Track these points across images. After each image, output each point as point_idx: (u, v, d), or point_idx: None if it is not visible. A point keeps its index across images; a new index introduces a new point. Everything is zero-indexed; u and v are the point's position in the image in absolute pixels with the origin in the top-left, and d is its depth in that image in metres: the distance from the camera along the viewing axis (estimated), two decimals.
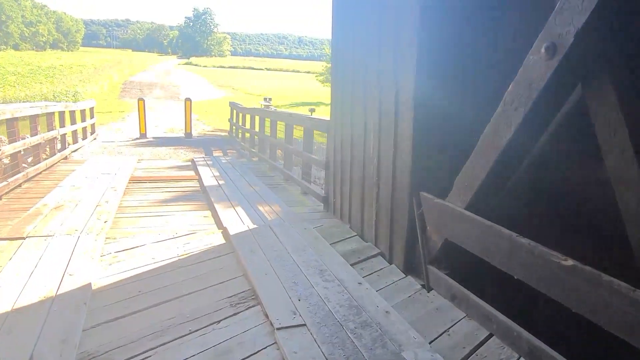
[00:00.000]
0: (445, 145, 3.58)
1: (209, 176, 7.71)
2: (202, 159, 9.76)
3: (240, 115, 11.95)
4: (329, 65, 34.08)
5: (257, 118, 10.00)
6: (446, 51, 3.46)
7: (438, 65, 3.47)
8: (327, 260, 3.92)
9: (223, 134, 16.24)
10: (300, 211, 5.85)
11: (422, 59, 3.46)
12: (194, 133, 15.74)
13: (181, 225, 4.97)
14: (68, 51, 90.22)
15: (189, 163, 9.59)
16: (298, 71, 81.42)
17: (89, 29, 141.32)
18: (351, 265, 3.89)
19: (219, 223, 5.08)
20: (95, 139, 13.10)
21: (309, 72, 79.52)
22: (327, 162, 5.63)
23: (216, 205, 5.71)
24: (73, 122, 10.79)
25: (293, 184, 7.42)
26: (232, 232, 4.59)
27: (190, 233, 4.66)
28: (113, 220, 5.05)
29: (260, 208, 5.79)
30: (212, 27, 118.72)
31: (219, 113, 24.93)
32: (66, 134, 9.93)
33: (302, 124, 6.79)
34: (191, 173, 8.28)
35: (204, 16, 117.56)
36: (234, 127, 13.35)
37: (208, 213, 5.59)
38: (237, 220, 5.08)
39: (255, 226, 4.84)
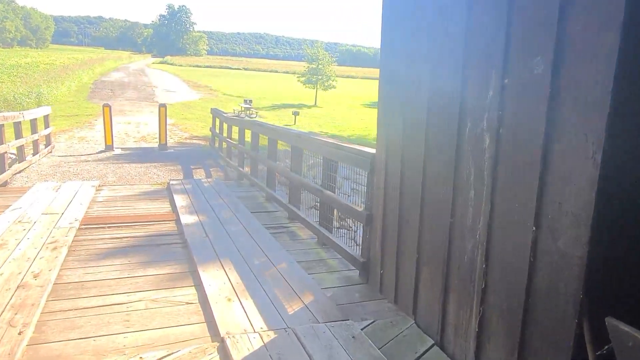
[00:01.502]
0: None
1: (189, 216, 5.73)
2: (180, 183, 7.75)
3: (226, 126, 9.97)
4: (311, 65, 32.12)
5: (248, 132, 8.05)
6: None
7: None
8: None
9: (203, 143, 14.16)
10: (325, 281, 3.97)
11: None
12: (170, 142, 13.64)
13: (150, 338, 3.00)
14: (37, 49, 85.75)
15: (164, 189, 7.59)
16: (276, 71, 79.21)
17: (59, 26, 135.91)
18: None
19: (212, 325, 3.15)
20: (50, 152, 10.90)
21: (287, 72, 77.42)
22: (370, 215, 3.76)
23: (205, 282, 3.75)
24: (19, 135, 8.63)
25: (301, 225, 5.54)
26: (237, 356, 2.68)
27: (167, 355, 2.72)
28: (37, 324, 3.07)
29: (269, 279, 3.88)
30: (187, 25, 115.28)
31: (196, 117, 22.74)
32: (5, 152, 7.80)
33: (321, 151, 4.86)
34: (166, 208, 6.29)
35: (179, 14, 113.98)
36: (217, 139, 11.34)
37: (193, 296, 3.63)
38: (240, 320, 3.16)
39: (273, 335, 2.93)
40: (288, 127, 25.71)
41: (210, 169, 9.70)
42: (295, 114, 26.88)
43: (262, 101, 35.43)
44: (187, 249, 4.61)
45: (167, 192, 7.21)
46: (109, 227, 5.27)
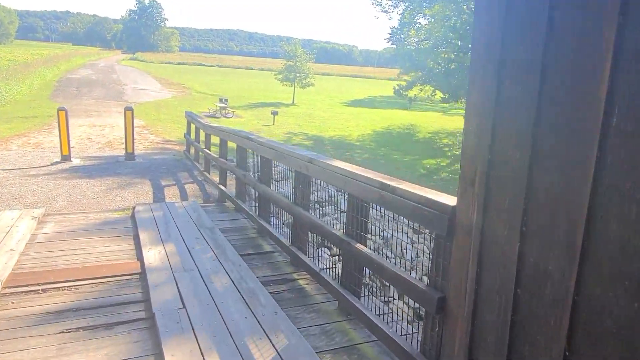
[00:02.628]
0: None
1: (159, 266, 4.22)
2: (148, 209, 6.18)
3: (203, 134, 8.38)
4: (289, 63, 30.46)
5: (234, 145, 6.52)
6: None
7: None
8: None
9: (177, 149, 12.50)
10: None
11: None
12: (140, 148, 11.95)
13: None
14: (0, 44, 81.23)
15: (127, 217, 6.03)
16: (251, 68, 77.25)
17: (24, 21, 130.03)
18: None
19: None
20: None
21: (262, 69, 75.55)
22: (443, 299, 2.36)
23: None
24: None
25: (308, 277, 4.12)
26: None
27: None
28: None
29: None
30: (159, 21, 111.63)
31: (170, 117, 20.94)
32: None
33: (346, 186, 3.38)
34: (128, 251, 4.74)
35: (150, 10, 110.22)
36: (192, 148, 9.71)
37: None
38: None
39: None
40: (267, 127, 24.27)
41: (186, 184, 8.12)
42: (274, 113, 25.32)
43: (239, 100, 33.68)
44: (155, 333, 3.12)
45: (132, 223, 5.65)
46: (43, 292, 3.71)
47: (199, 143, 8.95)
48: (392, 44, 49.78)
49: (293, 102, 35.05)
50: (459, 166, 2.16)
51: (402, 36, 46.33)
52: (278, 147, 4.56)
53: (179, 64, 75.36)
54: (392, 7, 41.48)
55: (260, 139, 5.32)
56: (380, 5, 41.73)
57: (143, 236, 5.01)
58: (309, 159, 3.82)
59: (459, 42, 20.06)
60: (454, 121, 31.00)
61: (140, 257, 4.49)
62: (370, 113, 34.07)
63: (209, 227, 5.45)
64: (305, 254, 4.33)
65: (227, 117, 26.24)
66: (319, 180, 3.98)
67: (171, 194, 7.57)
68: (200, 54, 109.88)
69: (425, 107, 37.79)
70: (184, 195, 7.50)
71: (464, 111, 2.38)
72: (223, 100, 29.10)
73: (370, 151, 20.91)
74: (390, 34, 47.72)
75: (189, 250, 4.64)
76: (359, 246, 3.21)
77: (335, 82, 57.32)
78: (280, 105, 33.93)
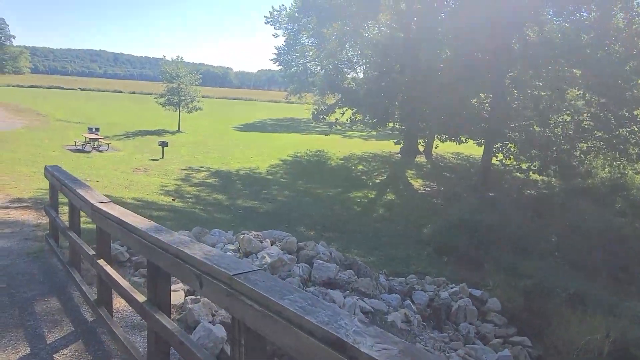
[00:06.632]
0: None
1: None
2: None
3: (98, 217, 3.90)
4: (171, 85, 25.37)
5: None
6: None
7: None
8: None
9: (29, 219, 7.50)
10: None
11: None
12: None
13: None
14: None
15: None
16: (121, 91, 68.85)
17: None
18: None
19: None
20: None
21: (134, 93, 67.67)
22: None
23: None
24: None
25: None
26: None
27: None
28: None
29: None
30: (2, 38, 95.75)
31: (19, 157, 15.12)
32: None
33: None
34: None
35: None
36: (66, 237, 4.77)
37: None
38: None
39: None
40: (155, 161, 19.19)
41: (55, 327, 3.65)
42: (163, 144, 20.42)
43: (112, 128, 27.75)
44: None
45: None
46: None
47: (77, 230, 4.37)
48: (278, 65, 46.99)
49: (179, 128, 30.04)
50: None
51: (289, 57, 43.87)
52: None
53: (31, 87, 64.15)
54: (285, 26, 38.59)
55: None
56: (276, 24, 38.75)
57: None
58: None
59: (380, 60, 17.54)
60: (357, 144, 28.86)
61: None
62: (267, 138, 30.50)
63: None
64: None
65: (102, 151, 20.64)
66: None
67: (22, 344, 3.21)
68: (57, 77, 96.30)
69: (319, 130, 35.38)
70: None
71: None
72: (93, 130, 23.21)
73: (288, 186, 17.34)
74: (275, 54, 44.97)
75: None
76: None
77: (218, 106, 52.70)
78: (164, 133, 28.74)
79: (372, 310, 4.93)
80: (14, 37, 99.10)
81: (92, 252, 3.65)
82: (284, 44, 41.88)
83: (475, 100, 17.61)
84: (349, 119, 20.64)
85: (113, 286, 3.18)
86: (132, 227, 2.69)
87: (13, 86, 62.37)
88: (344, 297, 4.96)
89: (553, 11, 17.03)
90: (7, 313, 3.74)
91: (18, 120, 28.01)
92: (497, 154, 17.18)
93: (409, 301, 6.52)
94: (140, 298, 2.71)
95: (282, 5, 39.24)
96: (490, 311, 7.68)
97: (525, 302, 8.40)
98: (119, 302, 3.86)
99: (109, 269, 3.26)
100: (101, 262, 3.42)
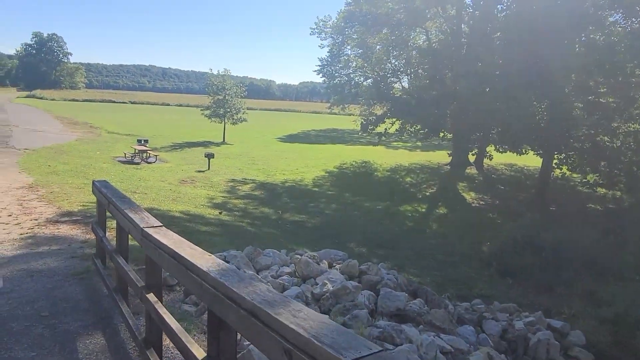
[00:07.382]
0: None
1: None
2: None
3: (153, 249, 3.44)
4: (217, 97, 25.25)
5: None
6: None
7: None
8: None
9: (77, 235, 7.29)
10: None
11: None
12: (10, 238, 6.74)
13: None
14: None
15: None
16: (168, 104, 70.78)
17: None
18: None
19: None
20: None
21: (180, 105, 69.36)
22: None
23: None
24: None
25: None
26: None
27: None
28: None
29: None
30: (61, 56, 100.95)
31: (72, 168, 15.28)
32: None
33: None
34: None
35: (50, 43, 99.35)
36: (109, 256, 4.32)
37: None
38: None
39: None
40: (202, 173, 19.12)
41: None
42: (209, 156, 20.32)
43: (160, 140, 28.17)
44: None
45: None
46: None
47: (125, 254, 3.94)
48: (322, 76, 46.75)
49: (224, 140, 30.16)
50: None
51: (332, 68, 43.50)
52: None
53: (85, 101, 66.97)
54: (331, 35, 38.29)
55: None
56: (321, 34, 38.58)
57: None
58: None
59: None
60: (403, 155, 27.95)
61: None
62: (311, 149, 30.12)
63: None
64: None
65: (150, 163, 20.80)
66: None
67: None
68: (109, 91, 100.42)
69: (363, 141, 34.67)
70: None
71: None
72: (142, 142, 23.51)
73: (335, 199, 16.73)
74: (319, 65, 44.75)
75: None
76: None
77: (261, 117, 53.07)
78: (209, 144, 28.89)
79: (452, 350, 4.24)
80: (71, 54, 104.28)
81: (141, 284, 3.16)
82: (327, 54, 41.56)
83: (534, 108, 16.47)
84: (397, 130, 19.87)
85: (164, 329, 2.66)
86: (190, 264, 2.15)
87: (69, 100, 65.34)
88: (420, 333, 4.28)
89: (621, 12, 15.75)
90: (46, 350, 3.30)
91: (72, 133, 28.90)
92: (561, 166, 15.91)
93: (484, 335, 5.73)
94: (199, 353, 2.16)
95: (328, 15, 38.97)
96: (573, 346, 6.74)
97: (612, 335, 7.38)
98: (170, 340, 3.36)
99: (159, 308, 2.74)
100: (151, 297, 2.92)
